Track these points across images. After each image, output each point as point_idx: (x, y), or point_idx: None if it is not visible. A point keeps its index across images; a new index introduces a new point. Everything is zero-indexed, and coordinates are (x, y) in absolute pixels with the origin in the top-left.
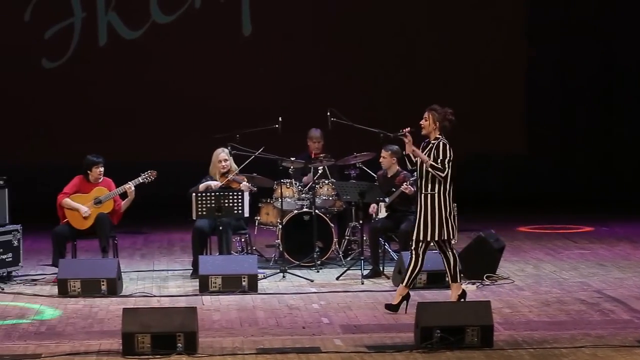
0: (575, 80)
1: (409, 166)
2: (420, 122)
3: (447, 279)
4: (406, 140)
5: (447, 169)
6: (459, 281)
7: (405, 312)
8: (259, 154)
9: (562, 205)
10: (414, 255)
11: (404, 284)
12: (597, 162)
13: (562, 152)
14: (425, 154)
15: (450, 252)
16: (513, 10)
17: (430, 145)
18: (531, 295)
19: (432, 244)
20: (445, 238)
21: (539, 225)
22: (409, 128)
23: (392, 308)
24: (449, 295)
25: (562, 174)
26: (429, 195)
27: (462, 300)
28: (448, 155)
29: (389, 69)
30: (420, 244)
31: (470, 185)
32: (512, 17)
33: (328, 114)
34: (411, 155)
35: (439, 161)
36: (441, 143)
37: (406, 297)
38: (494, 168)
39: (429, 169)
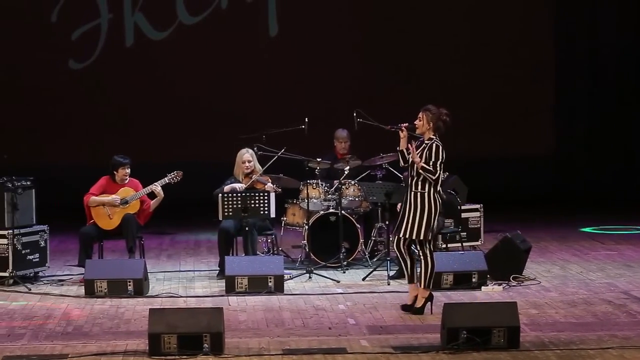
0: (604, 77)
1: (401, 163)
2: (415, 122)
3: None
4: (402, 135)
5: (438, 172)
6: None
7: (431, 313)
8: (282, 154)
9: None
10: (418, 255)
11: (422, 286)
12: (624, 160)
13: (590, 151)
14: (417, 154)
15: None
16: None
17: (424, 145)
18: (558, 296)
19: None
20: (424, 238)
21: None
22: (406, 123)
23: (417, 311)
24: (476, 296)
25: (589, 173)
26: (418, 193)
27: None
28: (440, 157)
29: (413, 69)
30: (411, 243)
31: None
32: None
33: (354, 114)
34: (405, 152)
35: (430, 163)
36: (434, 144)
37: (429, 298)
38: (530, 167)
39: (420, 171)
